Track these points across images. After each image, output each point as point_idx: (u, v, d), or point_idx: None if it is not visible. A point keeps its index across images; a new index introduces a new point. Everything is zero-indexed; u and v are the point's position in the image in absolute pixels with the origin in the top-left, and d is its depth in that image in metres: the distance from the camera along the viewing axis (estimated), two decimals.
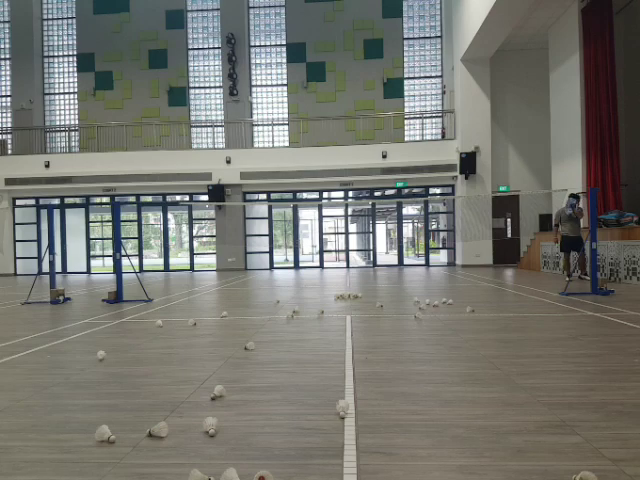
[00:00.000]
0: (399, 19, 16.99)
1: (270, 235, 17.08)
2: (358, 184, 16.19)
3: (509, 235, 15.85)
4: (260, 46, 17.56)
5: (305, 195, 18.12)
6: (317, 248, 19.08)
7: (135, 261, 16.33)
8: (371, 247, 17.66)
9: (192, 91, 17.72)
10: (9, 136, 17.83)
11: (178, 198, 18.66)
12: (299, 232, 17.99)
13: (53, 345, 4.19)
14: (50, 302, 7.36)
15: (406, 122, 17.05)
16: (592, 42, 11.42)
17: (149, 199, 18.82)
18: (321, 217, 17.39)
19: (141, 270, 16.82)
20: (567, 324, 4.82)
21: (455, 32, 15.68)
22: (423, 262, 17.32)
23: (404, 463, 1.83)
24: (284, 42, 17.39)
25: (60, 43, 18.18)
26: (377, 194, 17.62)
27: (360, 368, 3.21)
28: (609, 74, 11.23)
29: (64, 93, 18.15)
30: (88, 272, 17.20)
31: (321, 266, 17.06)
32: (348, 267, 16.99)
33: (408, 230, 32.41)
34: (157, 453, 1.96)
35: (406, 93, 17.08)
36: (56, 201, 17.27)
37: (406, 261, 18.02)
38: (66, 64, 18.17)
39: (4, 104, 18.17)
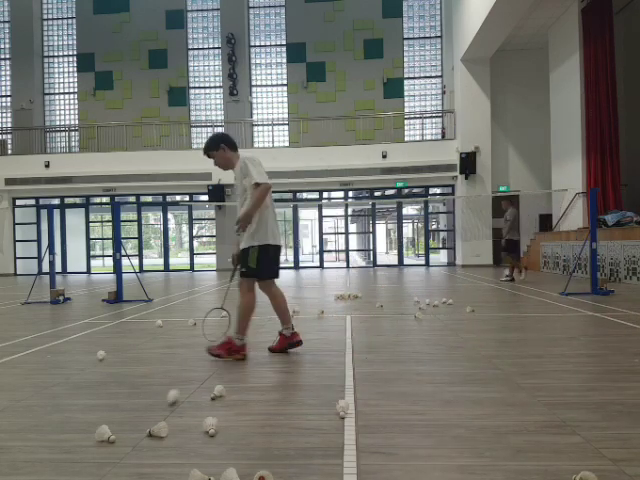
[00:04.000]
0: (399, 19, 16.99)
1: None
2: (358, 184, 16.19)
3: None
4: (260, 46, 17.55)
5: (305, 195, 18.10)
6: (317, 248, 19.08)
7: (135, 261, 16.30)
8: (371, 247, 17.65)
9: (192, 91, 17.72)
10: (9, 136, 17.82)
11: (178, 198, 18.65)
12: (299, 232, 17.98)
13: (53, 345, 4.19)
14: (50, 302, 7.36)
15: (406, 122, 17.05)
16: (592, 42, 11.42)
17: (149, 199, 18.81)
18: (321, 217, 17.38)
19: (141, 270, 16.81)
20: (567, 324, 4.82)
21: (455, 32, 15.67)
22: (423, 262, 17.30)
23: (404, 463, 1.82)
24: (284, 42, 17.39)
25: (60, 43, 18.18)
26: (377, 194, 17.62)
27: (360, 368, 3.21)
28: (609, 74, 11.23)
29: (64, 93, 18.15)
30: (88, 272, 17.20)
31: (321, 266, 17.06)
32: (348, 267, 16.98)
33: (408, 230, 32.38)
34: (157, 453, 1.96)
35: (406, 93, 17.07)
36: (56, 201, 17.27)
37: (406, 261, 18.00)
38: (66, 64, 18.16)
39: (4, 104, 18.17)
